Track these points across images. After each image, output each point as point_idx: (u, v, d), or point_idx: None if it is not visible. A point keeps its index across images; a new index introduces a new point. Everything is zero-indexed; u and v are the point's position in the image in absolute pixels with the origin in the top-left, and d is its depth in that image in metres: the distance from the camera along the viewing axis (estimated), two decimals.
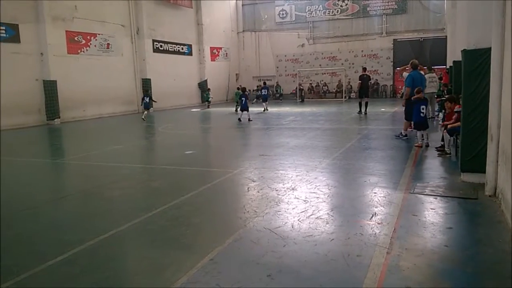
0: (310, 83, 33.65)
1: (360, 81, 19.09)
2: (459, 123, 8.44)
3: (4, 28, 18.27)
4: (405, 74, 11.67)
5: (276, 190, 6.57)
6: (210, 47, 32.76)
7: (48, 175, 9.46)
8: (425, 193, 6.11)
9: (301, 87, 32.21)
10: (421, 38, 29.97)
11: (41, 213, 6.18)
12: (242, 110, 17.63)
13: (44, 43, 19.87)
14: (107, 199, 6.82)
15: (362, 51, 32.11)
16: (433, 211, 5.36)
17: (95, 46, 22.90)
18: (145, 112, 20.09)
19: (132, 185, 7.83)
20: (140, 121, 19.52)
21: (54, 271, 4.10)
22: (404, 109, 11.27)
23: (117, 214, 5.92)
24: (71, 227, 5.46)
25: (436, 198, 5.86)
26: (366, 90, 19.03)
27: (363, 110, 18.66)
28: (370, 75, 21.92)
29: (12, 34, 18.64)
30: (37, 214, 6.11)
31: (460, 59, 7.09)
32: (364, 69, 20.37)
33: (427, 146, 9.84)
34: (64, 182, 8.87)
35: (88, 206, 6.48)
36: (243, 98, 17.52)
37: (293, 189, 6.60)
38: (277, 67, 35.23)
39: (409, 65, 11.50)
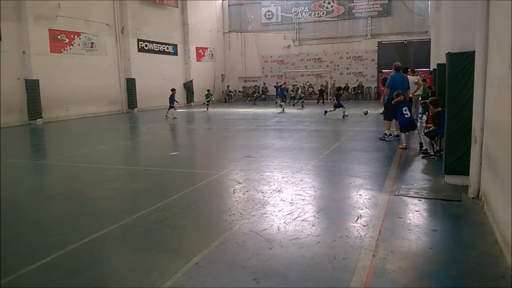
0: (295, 85, 33.70)
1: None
2: (433, 126, 8.60)
3: None
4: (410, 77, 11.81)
5: (262, 192, 6.54)
6: (196, 47, 32.61)
7: (30, 176, 9.26)
8: (409, 195, 6.16)
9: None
10: (405, 40, 30.37)
11: (23, 215, 6.03)
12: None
13: (26, 42, 19.50)
14: (90, 201, 6.70)
15: (347, 53, 32.35)
16: (418, 213, 5.39)
17: (78, 45, 22.58)
18: (172, 110, 20.77)
19: (116, 186, 7.71)
20: (124, 121, 19.30)
21: (37, 275, 4.01)
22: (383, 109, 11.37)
23: (101, 216, 5.82)
24: (54, 230, 5.34)
25: (420, 200, 5.91)
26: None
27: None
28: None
29: None
30: (18, 216, 5.97)
31: (444, 61, 7.17)
32: (409, 70, 16.29)
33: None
34: (47, 184, 8.69)
35: (71, 208, 6.36)
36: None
37: (279, 191, 6.58)
38: (263, 68, 35.26)
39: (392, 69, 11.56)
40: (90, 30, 23.25)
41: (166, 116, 20.46)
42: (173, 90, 21.19)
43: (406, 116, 9.94)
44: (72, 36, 22.14)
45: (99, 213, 6.00)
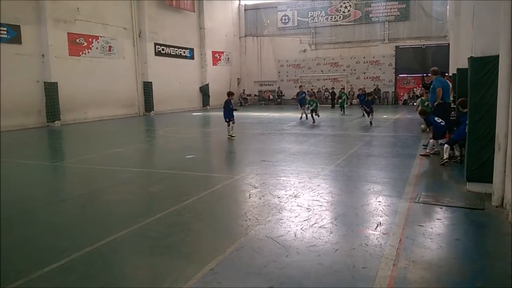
0: (312, 89, 33.55)
1: (423, 88, 16.51)
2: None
3: (5, 29, 18.18)
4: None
5: (278, 197, 6.44)
6: (212, 51, 32.71)
7: (46, 178, 9.32)
8: (430, 202, 5.99)
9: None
10: (424, 45, 29.96)
11: (38, 217, 6.04)
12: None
13: (45, 45, 19.78)
14: (106, 204, 6.69)
15: (364, 57, 32.07)
16: (439, 222, 5.24)
17: (96, 48, 22.82)
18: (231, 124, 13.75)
19: (132, 189, 7.70)
20: (140, 124, 19.36)
21: (50, 278, 3.97)
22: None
23: (116, 219, 5.80)
24: (68, 232, 5.32)
25: (441, 208, 5.74)
26: None
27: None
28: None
29: (14, 35, 18.55)
30: (34, 218, 5.98)
31: (465, 66, 7.00)
32: (427, 74, 15.41)
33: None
34: (63, 186, 8.74)
35: (86, 211, 6.35)
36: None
37: (295, 196, 6.48)
38: (279, 72, 35.18)
39: (430, 73, 10.56)
40: (108, 33, 23.49)
41: (230, 136, 13.63)
42: (230, 94, 14.20)
43: (441, 123, 9.30)
44: (90, 39, 22.40)
45: (114, 216, 5.98)
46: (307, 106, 18.60)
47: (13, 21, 18.44)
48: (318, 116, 18.44)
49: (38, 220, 5.94)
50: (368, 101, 17.25)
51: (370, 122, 16.61)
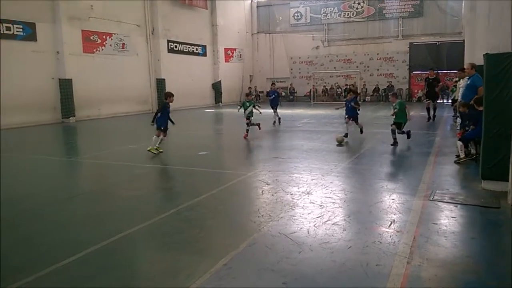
0: (324, 86, 33.43)
1: (425, 83, 16.74)
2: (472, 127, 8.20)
3: (21, 26, 18.45)
4: (462, 82, 10.82)
5: (291, 194, 6.45)
6: (224, 48, 32.74)
7: (61, 173, 9.46)
8: (444, 200, 5.94)
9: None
10: (438, 41, 29.57)
11: (53, 212, 6.14)
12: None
13: (60, 42, 20.02)
14: (120, 199, 6.77)
15: (377, 54, 31.80)
16: (454, 220, 5.19)
17: (110, 45, 23.02)
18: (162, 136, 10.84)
19: (146, 185, 7.78)
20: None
21: (65, 272, 4.04)
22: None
23: (131, 214, 5.86)
24: (83, 227, 5.41)
25: (456, 206, 5.68)
26: (433, 94, 16.45)
27: (431, 114, 16.40)
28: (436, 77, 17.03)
29: (29, 32, 18.81)
30: (49, 213, 6.08)
31: (480, 63, 6.90)
32: (431, 70, 17.56)
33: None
34: (78, 181, 8.86)
35: (101, 206, 6.44)
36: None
37: (308, 193, 6.47)
38: (291, 69, 35.07)
39: (468, 67, 9.78)
40: (122, 31, 23.67)
41: (157, 149, 10.55)
42: (169, 96, 10.92)
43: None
44: (104, 36, 22.59)
45: (129, 211, 6.05)
46: (238, 109, 14.13)
47: (28, 19, 18.71)
48: (260, 128, 13.95)
49: (54, 214, 6.03)
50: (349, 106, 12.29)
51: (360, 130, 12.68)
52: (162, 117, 10.53)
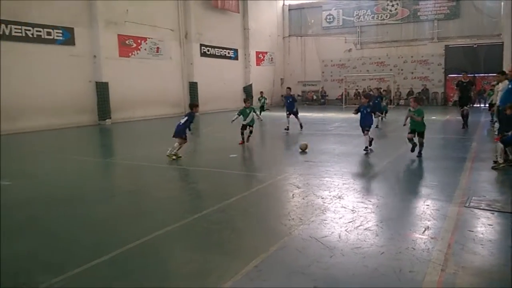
0: (356, 89, 33.04)
1: (457, 88, 15.49)
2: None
3: (61, 31, 19.16)
4: (501, 85, 10.64)
5: (322, 198, 6.41)
6: (256, 52, 32.92)
7: (97, 174, 9.75)
8: (481, 207, 5.76)
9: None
10: (475, 44, 28.65)
11: (89, 211, 6.33)
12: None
13: (97, 46, 20.66)
14: (154, 200, 6.92)
15: (411, 56, 31.17)
16: (491, 227, 5.03)
17: (145, 49, 23.57)
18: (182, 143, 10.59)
19: (178, 186, 7.93)
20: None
21: (97, 272, 4.13)
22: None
23: (163, 215, 5.98)
24: (116, 227, 5.57)
25: (493, 213, 5.51)
26: (466, 99, 15.01)
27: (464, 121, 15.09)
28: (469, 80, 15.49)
29: (68, 37, 19.50)
30: (85, 212, 6.27)
31: None
32: (464, 73, 16.29)
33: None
34: (113, 181, 9.12)
35: (135, 206, 6.59)
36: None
37: (339, 197, 6.43)
38: (323, 72, 34.85)
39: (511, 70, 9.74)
40: (156, 35, 24.19)
41: (175, 155, 10.34)
42: (194, 106, 11.19)
43: None
44: (139, 41, 23.16)
45: (161, 212, 6.17)
46: (236, 117, 12.66)
47: (67, 24, 19.40)
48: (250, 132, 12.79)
49: (89, 214, 6.21)
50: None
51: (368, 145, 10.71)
52: (183, 125, 10.33)
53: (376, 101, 16.57)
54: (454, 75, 29.15)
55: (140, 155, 11.24)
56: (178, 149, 10.35)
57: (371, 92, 22.98)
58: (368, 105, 10.97)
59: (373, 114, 11.00)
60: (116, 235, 5.12)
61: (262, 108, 22.08)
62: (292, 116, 15.90)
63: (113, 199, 7.12)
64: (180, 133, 10.29)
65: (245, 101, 13.41)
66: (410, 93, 30.64)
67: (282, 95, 18.02)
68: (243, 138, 12.51)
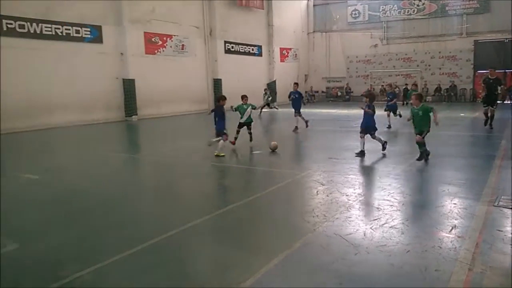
0: (382, 85, 32.55)
1: (484, 85, 14.22)
2: None
3: (89, 29, 19.61)
4: None
5: (346, 195, 6.38)
6: (280, 48, 32.84)
7: (126, 169, 9.96)
8: (510, 206, 5.62)
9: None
10: (506, 39, 27.74)
11: (116, 206, 6.49)
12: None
13: (123, 44, 21.05)
14: (179, 195, 7.03)
15: (439, 52, 30.48)
16: None
17: (170, 47, 23.86)
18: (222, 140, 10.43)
19: (202, 182, 8.02)
20: (211, 119, 19.88)
21: (120, 266, 4.19)
22: None
23: (188, 210, 6.07)
24: (142, 221, 5.67)
25: None
26: (492, 98, 13.76)
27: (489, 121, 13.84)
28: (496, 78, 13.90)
29: (96, 35, 19.95)
30: (112, 207, 6.43)
31: None
32: (491, 69, 14.50)
33: None
34: (140, 177, 9.30)
35: (161, 201, 6.71)
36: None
37: (364, 195, 6.38)
38: (348, 68, 34.50)
39: None
40: (181, 32, 24.44)
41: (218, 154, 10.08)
42: (222, 99, 10.91)
43: None
44: (165, 38, 23.45)
45: (188, 207, 6.27)
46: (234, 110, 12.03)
47: (95, 22, 19.83)
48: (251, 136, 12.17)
49: (117, 208, 6.36)
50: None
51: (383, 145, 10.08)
52: (220, 121, 10.32)
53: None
54: (484, 71, 28.36)
55: (165, 151, 11.42)
56: (222, 146, 10.14)
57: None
58: (368, 105, 10.03)
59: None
60: (140, 230, 5.21)
61: (267, 106, 21.83)
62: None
63: (140, 194, 7.26)
64: (221, 131, 10.23)
65: (242, 97, 12.40)
66: (438, 89, 30.05)
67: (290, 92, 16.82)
68: (236, 138, 11.59)
